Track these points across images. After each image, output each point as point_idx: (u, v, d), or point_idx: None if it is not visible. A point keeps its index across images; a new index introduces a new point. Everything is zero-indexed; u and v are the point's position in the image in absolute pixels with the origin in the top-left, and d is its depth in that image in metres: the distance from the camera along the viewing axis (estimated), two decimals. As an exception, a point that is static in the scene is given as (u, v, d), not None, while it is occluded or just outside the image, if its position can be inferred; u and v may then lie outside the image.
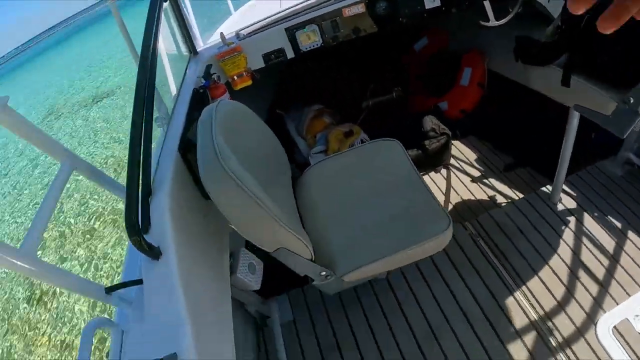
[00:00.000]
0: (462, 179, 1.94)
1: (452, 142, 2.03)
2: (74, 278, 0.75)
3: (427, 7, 1.73)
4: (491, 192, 1.85)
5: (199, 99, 1.46)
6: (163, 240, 0.84)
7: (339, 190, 1.30)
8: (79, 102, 10.00)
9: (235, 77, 1.66)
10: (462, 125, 2.11)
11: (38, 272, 0.68)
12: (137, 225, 0.76)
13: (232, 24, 2.59)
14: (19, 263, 0.65)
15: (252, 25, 1.81)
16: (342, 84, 2.22)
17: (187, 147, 1.14)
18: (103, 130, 7.39)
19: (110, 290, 0.81)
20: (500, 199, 1.82)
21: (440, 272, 1.52)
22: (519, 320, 1.32)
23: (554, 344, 1.25)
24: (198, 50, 1.79)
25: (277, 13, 1.85)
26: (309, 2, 1.93)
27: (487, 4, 1.69)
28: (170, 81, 1.66)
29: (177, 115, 1.30)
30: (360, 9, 1.72)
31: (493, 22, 1.70)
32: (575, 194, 1.66)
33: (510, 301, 1.38)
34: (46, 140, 0.85)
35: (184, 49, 1.82)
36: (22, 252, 0.67)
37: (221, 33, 1.67)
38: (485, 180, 1.90)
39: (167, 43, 1.93)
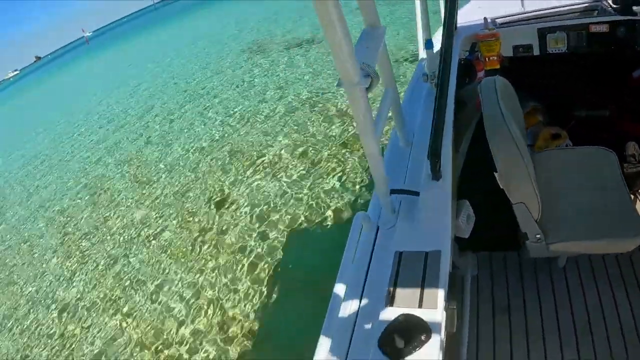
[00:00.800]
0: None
1: None
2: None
3: None
4: None
5: (464, 68, 1.87)
6: (444, 167, 1.11)
7: (560, 176, 1.64)
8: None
9: (487, 59, 2.01)
10: None
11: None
12: (437, 152, 1.06)
13: (474, 8, 2.84)
14: (370, 140, 0.94)
15: (508, 16, 2.15)
16: (564, 89, 2.48)
17: (458, 106, 1.51)
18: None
19: (393, 192, 1.10)
20: None
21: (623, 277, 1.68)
22: None
23: None
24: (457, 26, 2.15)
25: (532, 11, 2.15)
26: (561, 8, 2.17)
27: None
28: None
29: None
30: (605, 28, 2.00)
31: None
32: None
33: None
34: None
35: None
36: (375, 134, 0.95)
37: (485, 18, 2.03)
38: None
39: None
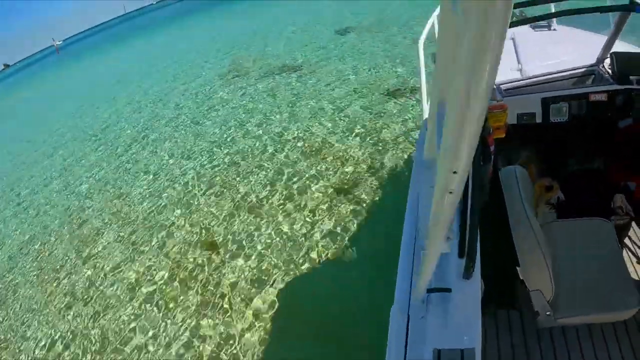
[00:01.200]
0: (632, 260, 2.23)
1: (634, 225, 2.30)
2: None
3: None
4: None
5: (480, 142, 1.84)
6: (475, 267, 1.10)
7: (564, 250, 1.71)
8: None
9: (493, 129, 1.98)
10: None
11: None
12: (472, 254, 1.03)
13: None
14: None
15: (512, 82, 2.18)
16: (559, 141, 2.53)
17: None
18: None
19: (429, 291, 1.10)
20: None
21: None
22: None
23: None
24: None
25: (534, 77, 2.15)
26: (560, 74, 2.22)
27: None
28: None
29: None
30: (604, 97, 2.09)
31: None
32: None
33: None
34: None
35: None
36: None
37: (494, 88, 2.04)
38: None
39: None
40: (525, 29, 3.45)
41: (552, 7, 2.88)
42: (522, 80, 2.22)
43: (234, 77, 10.24)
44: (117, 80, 15.63)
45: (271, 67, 9.90)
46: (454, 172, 0.54)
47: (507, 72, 2.37)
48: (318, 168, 4.93)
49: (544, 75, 2.28)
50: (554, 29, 3.35)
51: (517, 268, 1.49)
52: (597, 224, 1.84)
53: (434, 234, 0.85)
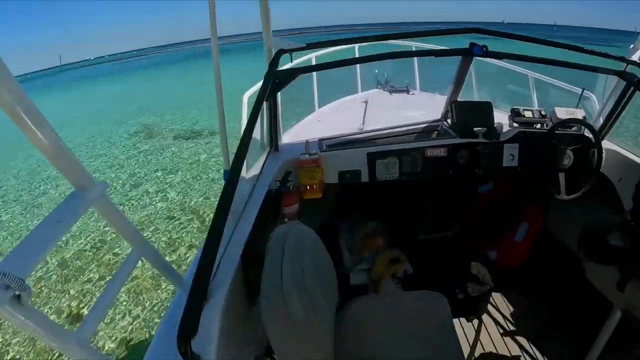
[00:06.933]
0: (492, 333, 1.98)
1: (492, 294, 2.09)
2: None
3: (504, 164, 1.87)
4: (517, 352, 1.87)
5: (271, 202, 1.52)
6: (206, 350, 0.83)
7: (375, 329, 1.39)
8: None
9: (308, 187, 1.74)
10: (507, 277, 2.16)
11: None
12: (188, 329, 0.72)
13: (309, 125, 2.84)
14: (71, 348, 0.64)
15: (336, 137, 1.95)
16: (404, 208, 2.37)
17: (251, 257, 1.16)
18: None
19: None
20: None
21: None
22: None
23: None
24: (280, 147, 1.88)
25: (361, 133, 1.98)
26: (394, 130, 2.10)
27: (561, 177, 1.82)
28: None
29: (247, 216, 1.33)
30: (443, 152, 1.84)
31: (563, 196, 1.81)
32: None
33: None
34: (127, 227, 0.88)
35: (265, 140, 1.88)
36: (77, 338, 0.65)
37: (307, 141, 1.78)
38: (517, 338, 1.93)
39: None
40: (382, 92, 3.51)
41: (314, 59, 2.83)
42: (351, 135, 1.96)
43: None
44: None
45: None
46: None
47: (350, 125, 2.23)
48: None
49: (379, 130, 2.04)
50: (412, 94, 3.40)
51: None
52: (428, 297, 1.55)
53: None
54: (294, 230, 1.15)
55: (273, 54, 1.52)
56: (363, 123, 2.55)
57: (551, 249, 2.13)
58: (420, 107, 2.94)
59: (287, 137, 2.32)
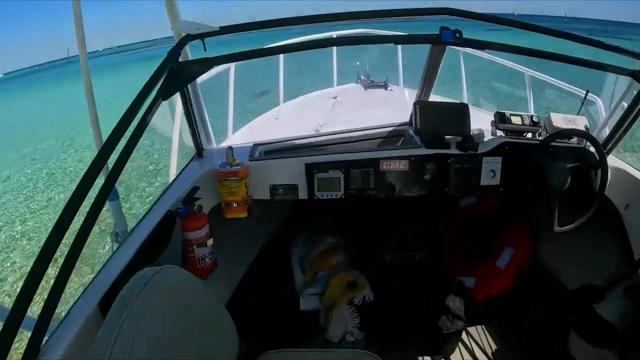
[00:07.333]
0: None
1: (467, 329, 1.78)
2: None
3: (482, 183, 1.50)
4: None
5: (167, 226, 1.15)
6: None
7: None
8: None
9: (229, 204, 1.39)
10: (485, 310, 1.84)
11: None
12: None
13: (267, 123, 2.40)
14: None
15: (274, 142, 1.59)
16: (372, 223, 2.03)
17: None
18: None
19: None
20: None
21: None
22: None
23: None
24: (205, 151, 1.53)
25: (305, 138, 1.63)
26: (349, 135, 1.73)
27: (555, 201, 1.46)
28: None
29: (125, 248, 1.02)
30: (403, 166, 1.45)
31: (556, 227, 1.47)
32: None
33: None
34: None
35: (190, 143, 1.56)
36: None
37: (229, 147, 1.38)
38: None
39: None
40: (357, 88, 3.09)
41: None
42: (291, 140, 1.56)
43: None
44: None
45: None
46: None
47: (300, 132, 1.81)
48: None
49: (328, 135, 1.64)
50: (390, 90, 2.99)
51: None
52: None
53: None
54: (162, 276, 0.74)
55: None
56: (321, 125, 2.16)
57: (540, 281, 1.81)
58: (394, 107, 2.54)
59: (238, 138, 1.97)
